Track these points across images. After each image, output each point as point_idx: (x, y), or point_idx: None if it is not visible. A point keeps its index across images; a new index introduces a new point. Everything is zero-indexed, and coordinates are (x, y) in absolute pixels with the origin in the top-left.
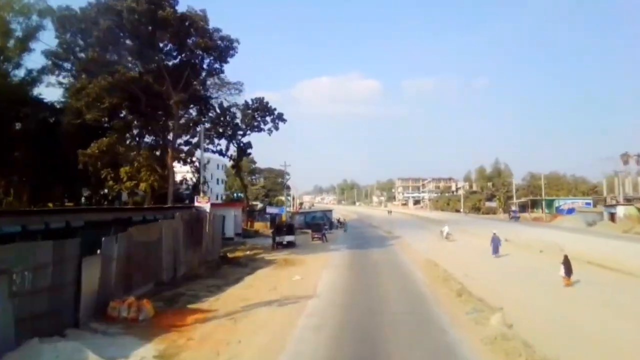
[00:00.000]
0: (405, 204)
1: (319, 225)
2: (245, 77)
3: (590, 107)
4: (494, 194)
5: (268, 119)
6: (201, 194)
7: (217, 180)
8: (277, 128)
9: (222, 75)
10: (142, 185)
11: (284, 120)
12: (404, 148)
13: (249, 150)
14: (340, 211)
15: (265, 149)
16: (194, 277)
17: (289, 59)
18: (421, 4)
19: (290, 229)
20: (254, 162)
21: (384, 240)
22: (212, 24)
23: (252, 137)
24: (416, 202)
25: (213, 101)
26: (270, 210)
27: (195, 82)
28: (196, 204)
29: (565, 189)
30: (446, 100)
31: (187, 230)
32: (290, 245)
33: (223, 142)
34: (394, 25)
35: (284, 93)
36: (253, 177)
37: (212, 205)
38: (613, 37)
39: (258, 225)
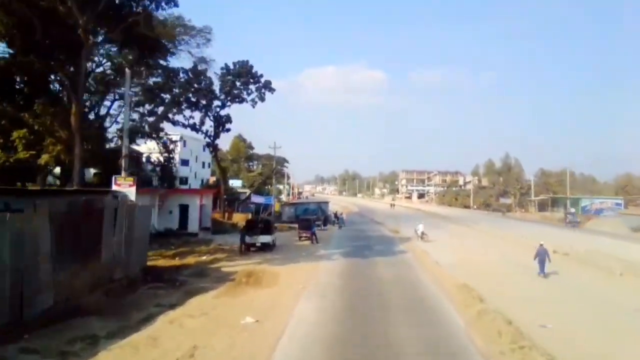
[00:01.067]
0: (408, 197)
1: (309, 221)
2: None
3: (597, 105)
4: (506, 190)
5: (252, 87)
6: (122, 173)
7: (204, 163)
8: (262, 99)
9: (186, 21)
10: (44, 158)
11: (271, 90)
12: (408, 140)
13: (228, 125)
14: (340, 202)
15: (266, 135)
16: (64, 314)
17: (295, 47)
18: None
19: (267, 227)
20: (251, 147)
21: (390, 244)
22: None
23: (242, 114)
24: (420, 195)
25: (178, 60)
26: (256, 199)
27: (130, 10)
28: (114, 187)
29: (578, 188)
30: (453, 93)
31: (62, 232)
32: (266, 248)
33: (198, 115)
34: (401, 16)
35: (289, 80)
36: (250, 163)
37: (172, 191)
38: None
39: (238, 217)
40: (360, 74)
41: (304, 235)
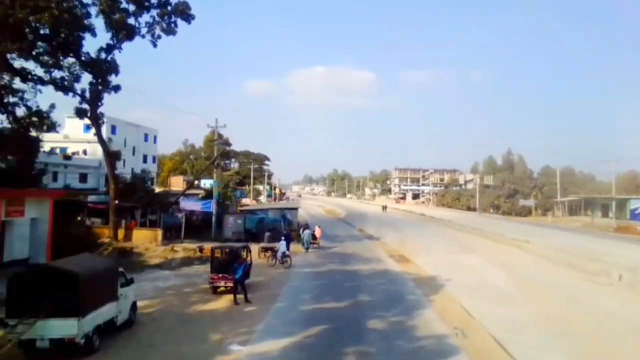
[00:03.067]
0: (402, 198)
1: (233, 254)
2: (238, 64)
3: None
4: (516, 190)
5: (154, 12)
6: None
7: (145, 157)
8: (171, 31)
9: None
10: None
11: (188, 18)
12: (399, 140)
13: (113, 79)
14: (326, 204)
15: (251, 135)
16: None
17: (283, 47)
18: None
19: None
20: (228, 144)
21: (410, 311)
22: None
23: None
24: (415, 196)
25: None
26: (188, 204)
27: None
28: None
29: (579, 186)
30: (442, 93)
31: None
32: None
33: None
34: (390, 16)
35: (277, 82)
36: (226, 161)
37: None
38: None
39: (142, 235)
40: (349, 74)
41: (222, 284)
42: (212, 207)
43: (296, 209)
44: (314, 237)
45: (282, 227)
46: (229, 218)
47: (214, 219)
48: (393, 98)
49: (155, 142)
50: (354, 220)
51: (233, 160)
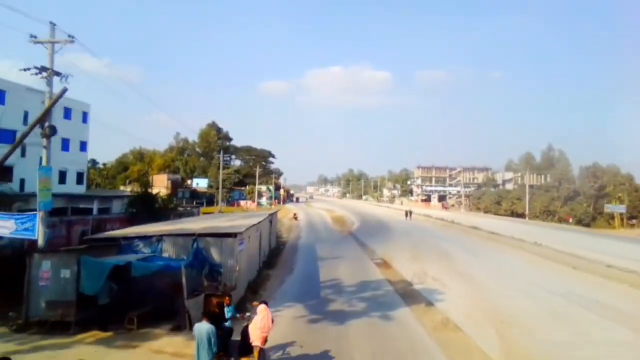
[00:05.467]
0: (426, 200)
1: None
2: (254, 65)
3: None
4: (576, 191)
5: None
6: None
7: (67, 142)
8: None
9: None
10: None
11: None
12: (417, 139)
13: None
14: (337, 208)
15: (265, 135)
16: None
17: (299, 48)
18: None
19: None
20: (228, 139)
21: None
22: None
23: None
24: (441, 198)
25: None
26: None
27: None
28: None
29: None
30: (462, 91)
31: None
32: None
33: None
34: (406, 15)
35: (293, 82)
36: (226, 157)
37: None
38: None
39: None
40: (365, 74)
41: None
42: (37, 229)
43: (236, 234)
44: (244, 336)
45: (185, 283)
46: (41, 264)
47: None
48: (410, 97)
49: (85, 121)
50: (371, 235)
51: (233, 156)
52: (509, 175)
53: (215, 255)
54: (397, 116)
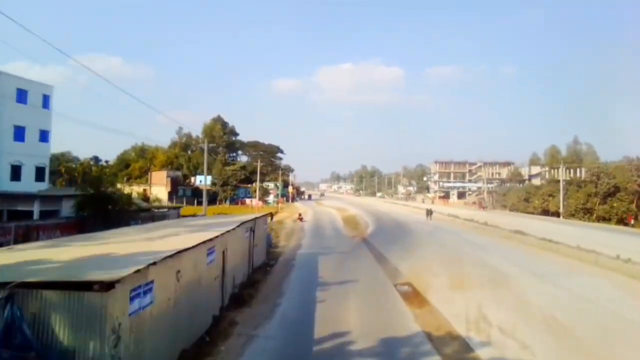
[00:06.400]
0: (444, 197)
1: None
2: (265, 63)
3: None
4: (617, 187)
5: None
6: None
7: (22, 130)
8: None
9: None
10: None
11: None
12: (432, 134)
13: None
14: (349, 207)
15: (277, 133)
16: None
17: (310, 45)
18: None
19: None
20: (234, 134)
21: None
22: None
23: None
24: (461, 194)
25: None
26: None
27: None
28: None
29: None
30: (474, 87)
31: None
32: None
33: None
34: (417, 10)
35: (305, 80)
36: (231, 154)
37: None
38: None
39: None
40: (377, 70)
41: None
42: None
43: (108, 287)
44: None
45: None
46: None
47: None
48: (422, 93)
49: (46, 106)
50: (389, 241)
51: (240, 152)
52: (535, 169)
53: (63, 331)
54: (410, 112)
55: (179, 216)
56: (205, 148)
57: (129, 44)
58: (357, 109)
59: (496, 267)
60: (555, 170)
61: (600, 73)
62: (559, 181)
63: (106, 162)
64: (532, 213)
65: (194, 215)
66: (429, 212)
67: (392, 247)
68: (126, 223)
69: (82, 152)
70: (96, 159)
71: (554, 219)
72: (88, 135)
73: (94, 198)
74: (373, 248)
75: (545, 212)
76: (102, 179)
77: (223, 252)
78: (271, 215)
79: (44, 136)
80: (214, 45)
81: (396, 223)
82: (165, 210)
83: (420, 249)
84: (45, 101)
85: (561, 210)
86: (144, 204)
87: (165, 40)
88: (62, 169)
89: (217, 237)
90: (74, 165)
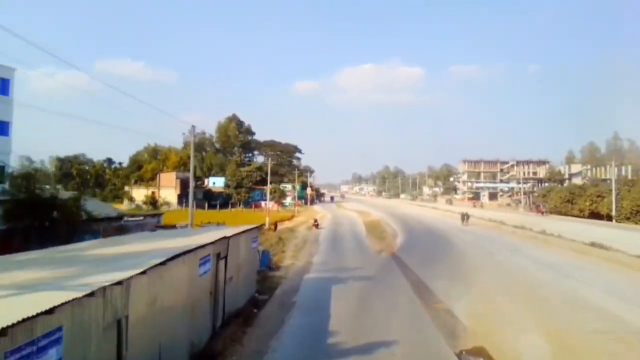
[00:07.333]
0: (473, 199)
1: None
2: (284, 65)
3: None
4: None
5: None
6: None
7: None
8: None
9: None
10: None
11: None
12: (457, 134)
13: None
14: (372, 209)
15: (297, 134)
16: None
17: (330, 46)
18: None
19: None
20: (251, 133)
21: None
22: None
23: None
24: (492, 195)
25: None
26: None
27: None
28: None
29: None
30: (497, 85)
31: None
32: None
33: None
34: (436, 8)
35: (325, 81)
36: (247, 154)
37: None
38: None
39: None
40: (397, 71)
41: None
42: None
43: None
44: None
45: None
46: None
47: None
48: (444, 92)
49: (5, 92)
50: (428, 258)
51: (256, 152)
52: (575, 168)
53: None
54: (433, 111)
55: (157, 226)
56: (192, 140)
57: (151, 48)
58: (378, 109)
59: (611, 310)
60: (598, 168)
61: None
62: (604, 180)
63: (119, 164)
64: (579, 216)
65: (173, 227)
66: (465, 217)
67: (434, 270)
68: (79, 238)
69: (97, 154)
70: (109, 161)
71: (611, 223)
72: (103, 136)
73: (28, 204)
74: (408, 271)
75: (595, 215)
76: (33, 177)
77: (122, 321)
78: (275, 225)
79: (2, 128)
80: (232, 46)
81: (429, 230)
82: (141, 218)
83: (474, 273)
84: (4, 86)
85: (613, 213)
86: (115, 211)
87: (186, 43)
88: (74, 171)
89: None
90: (86, 168)
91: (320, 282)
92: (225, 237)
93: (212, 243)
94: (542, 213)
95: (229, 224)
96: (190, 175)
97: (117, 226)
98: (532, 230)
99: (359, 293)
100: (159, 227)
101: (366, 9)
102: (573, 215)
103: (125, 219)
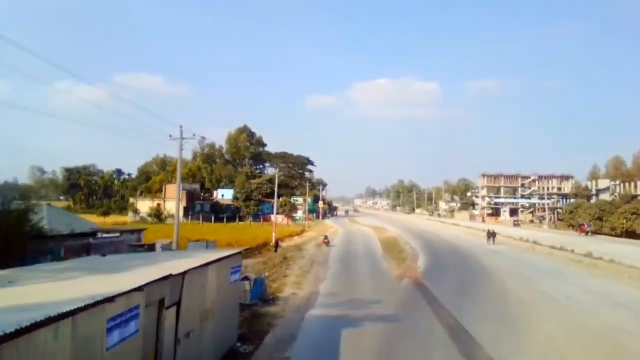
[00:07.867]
0: (492, 215)
1: None
2: (300, 80)
3: None
4: None
5: None
6: None
7: None
8: None
9: None
10: None
11: None
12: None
13: None
14: (387, 225)
15: (311, 148)
16: None
17: (345, 61)
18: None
19: None
20: (262, 144)
21: None
22: None
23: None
24: (513, 211)
25: None
26: None
27: None
28: None
29: None
30: (514, 100)
31: None
32: None
33: None
34: (451, 26)
35: (340, 96)
36: (258, 166)
37: None
38: None
39: None
40: (412, 85)
41: None
42: None
43: None
44: None
45: None
46: None
47: None
48: (460, 106)
49: None
50: (460, 290)
51: (267, 164)
52: (603, 183)
53: None
54: (449, 126)
55: (132, 245)
56: (179, 146)
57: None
58: (393, 124)
59: None
60: (628, 183)
61: None
62: (635, 197)
63: (128, 175)
64: (610, 234)
65: (152, 247)
66: (491, 235)
67: (472, 306)
68: (33, 258)
69: (107, 165)
70: (119, 172)
71: None
72: (113, 148)
73: None
74: (439, 307)
75: (630, 234)
76: None
77: None
78: (276, 244)
79: None
80: (247, 61)
81: (453, 250)
82: (117, 235)
83: (524, 313)
84: None
85: None
86: (89, 226)
87: (202, 57)
88: (81, 182)
89: None
90: (95, 179)
91: (326, 325)
92: (173, 275)
93: (137, 289)
94: (587, 233)
95: (233, 240)
96: (177, 187)
97: (84, 244)
98: (573, 252)
99: (379, 344)
100: (134, 246)
101: (381, 25)
102: (604, 234)
103: (99, 234)
